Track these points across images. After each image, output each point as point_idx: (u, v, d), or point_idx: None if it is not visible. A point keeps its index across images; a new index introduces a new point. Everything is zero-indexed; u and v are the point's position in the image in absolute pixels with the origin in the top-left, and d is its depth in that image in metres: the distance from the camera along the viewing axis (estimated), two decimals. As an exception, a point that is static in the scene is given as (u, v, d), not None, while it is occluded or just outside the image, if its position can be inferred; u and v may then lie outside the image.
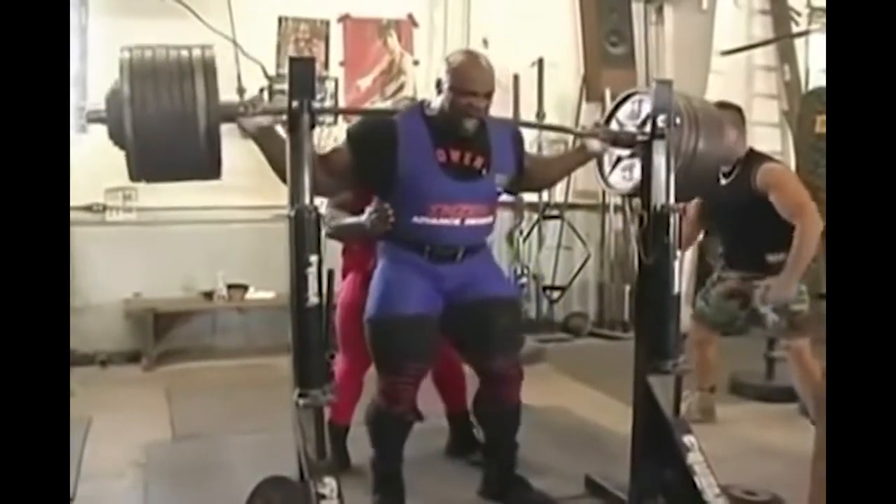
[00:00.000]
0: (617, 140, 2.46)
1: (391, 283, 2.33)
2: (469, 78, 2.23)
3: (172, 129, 1.93)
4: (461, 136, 2.28)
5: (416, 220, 2.28)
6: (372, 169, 2.27)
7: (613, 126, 2.53)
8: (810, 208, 2.86)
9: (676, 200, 2.36)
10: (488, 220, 2.39)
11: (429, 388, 2.78)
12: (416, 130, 2.28)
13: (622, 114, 2.53)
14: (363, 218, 2.34)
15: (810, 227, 2.81)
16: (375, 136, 2.28)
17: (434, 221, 2.29)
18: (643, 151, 2.41)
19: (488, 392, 2.46)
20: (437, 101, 2.29)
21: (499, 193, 2.42)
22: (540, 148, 4.98)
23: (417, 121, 2.30)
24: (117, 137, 1.98)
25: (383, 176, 2.27)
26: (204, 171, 2.04)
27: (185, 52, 1.99)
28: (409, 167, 2.25)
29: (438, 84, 2.28)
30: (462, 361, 2.62)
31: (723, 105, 2.95)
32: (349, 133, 2.34)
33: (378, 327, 2.33)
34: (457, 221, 2.30)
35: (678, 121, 2.36)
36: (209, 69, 1.98)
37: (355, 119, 4.69)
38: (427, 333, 2.33)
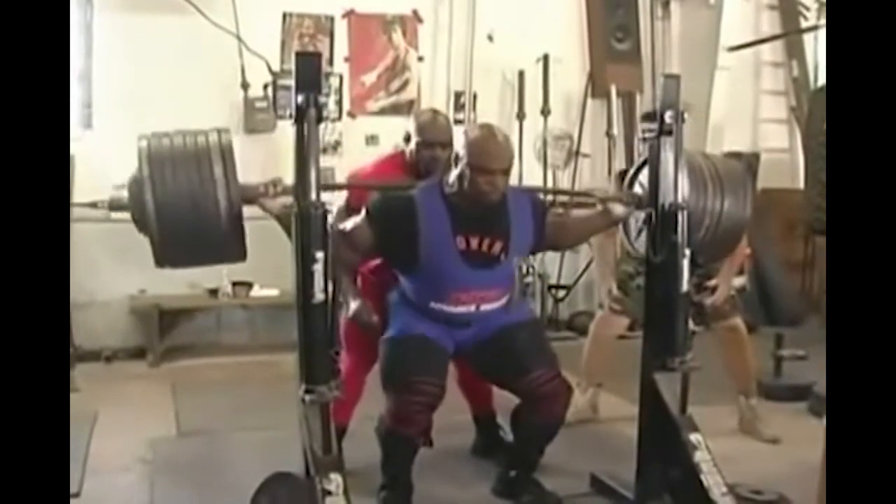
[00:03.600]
0: (641, 203, 2.41)
1: (407, 320, 2.37)
2: (487, 155, 2.23)
3: (195, 213, 1.97)
4: (480, 213, 2.29)
5: (433, 304, 2.34)
6: (393, 250, 2.32)
7: (636, 189, 2.48)
8: None
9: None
10: (503, 301, 2.41)
11: (453, 388, 2.78)
12: (437, 213, 2.29)
13: (644, 176, 2.46)
14: (353, 305, 2.36)
15: None
16: (397, 220, 2.28)
17: (450, 309, 2.33)
18: (650, 149, 2.39)
19: (530, 407, 2.40)
20: (454, 176, 2.28)
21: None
22: (545, 143, 4.97)
23: (437, 201, 2.30)
24: (141, 224, 2.02)
25: (404, 258, 2.32)
26: (229, 254, 2.08)
27: (201, 138, 2.03)
28: (430, 254, 2.28)
29: (456, 158, 2.28)
30: (505, 389, 2.54)
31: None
32: (370, 213, 2.30)
33: (392, 345, 2.36)
34: (472, 308, 2.35)
35: (686, 115, 2.33)
36: (227, 153, 2.02)
37: (360, 115, 4.79)
38: (439, 357, 2.34)
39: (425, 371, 2.28)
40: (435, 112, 2.76)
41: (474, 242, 2.30)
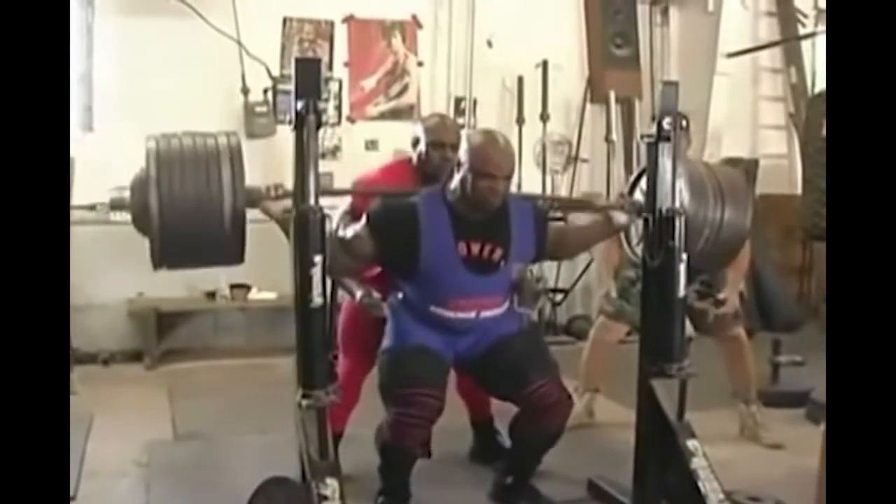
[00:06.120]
0: (642, 212, 2.40)
1: (406, 327, 2.36)
2: (489, 160, 2.24)
3: (198, 215, 1.96)
4: (481, 219, 2.29)
5: (432, 308, 2.32)
6: (394, 258, 2.31)
7: (637, 196, 2.47)
8: None
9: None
10: (503, 308, 2.40)
11: (451, 392, 2.78)
12: (438, 219, 2.28)
13: (645, 183, 2.43)
14: (358, 294, 2.36)
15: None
16: (398, 227, 2.27)
17: (450, 315, 2.32)
18: (648, 154, 2.40)
19: (530, 417, 2.38)
20: (456, 181, 2.29)
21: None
22: (544, 149, 4.97)
23: (439, 206, 2.30)
24: (141, 223, 2.00)
25: (405, 265, 2.30)
26: (228, 256, 2.07)
27: (210, 140, 2.03)
28: (431, 260, 2.27)
29: (458, 163, 2.28)
30: (506, 401, 2.51)
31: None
32: (370, 220, 2.28)
33: (390, 356, 2.35)
34: (472, 314, 2.34)
35: (684, 123, 2.34)
36: (235, 155, 2.01)
37: (359, 120, 4.80)
38: (439, 368, 2.33)
39: (424, 383, 2.26)
40: (442, 115, 2.83)
41: (475, 249, 2.30)
